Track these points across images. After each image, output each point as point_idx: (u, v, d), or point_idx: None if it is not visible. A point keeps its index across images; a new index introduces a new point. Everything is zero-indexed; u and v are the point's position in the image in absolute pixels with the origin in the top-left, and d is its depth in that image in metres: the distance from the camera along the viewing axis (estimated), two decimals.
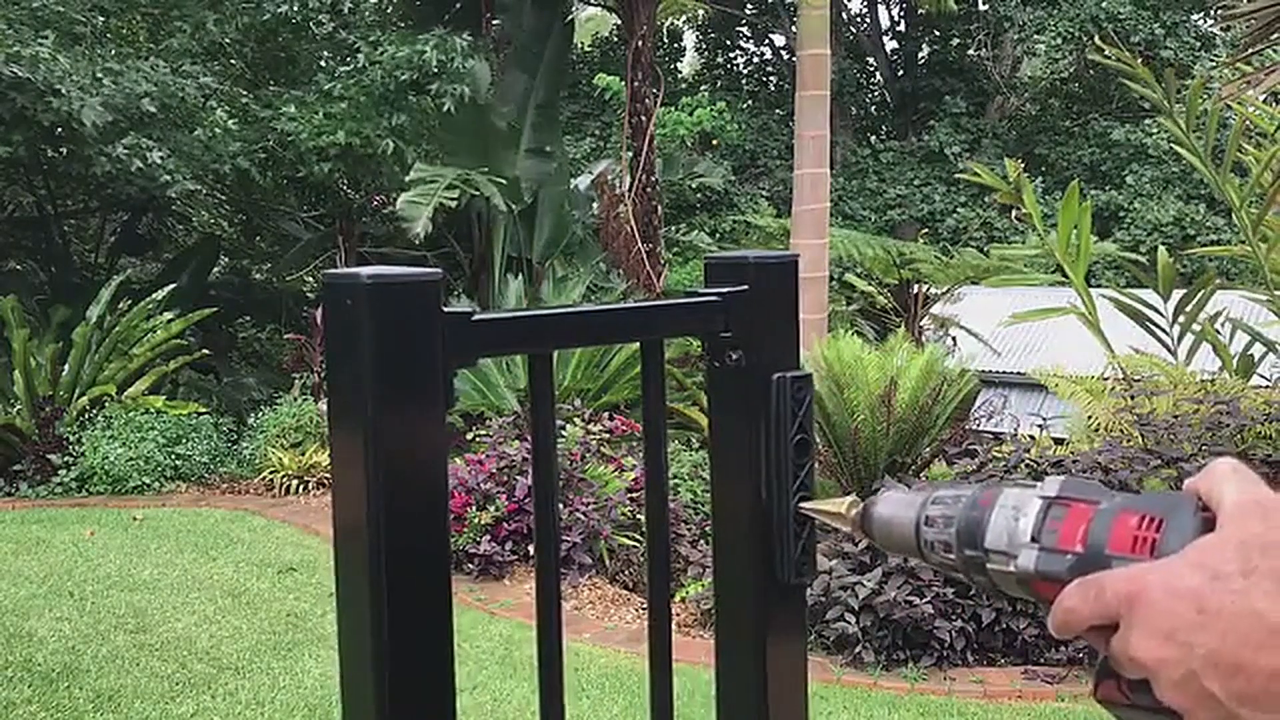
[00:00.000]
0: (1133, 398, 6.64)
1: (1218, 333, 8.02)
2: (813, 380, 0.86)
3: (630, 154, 12.67)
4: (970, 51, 22.82)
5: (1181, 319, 7.99)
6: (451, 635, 0.73)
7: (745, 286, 0.85)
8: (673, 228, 16.55)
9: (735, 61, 24.34)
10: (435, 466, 0.72)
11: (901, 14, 23.34)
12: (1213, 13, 18.99)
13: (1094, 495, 0.61)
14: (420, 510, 0.71)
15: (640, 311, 0.83)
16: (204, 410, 9.69)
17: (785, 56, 22.55)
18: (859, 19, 23.45)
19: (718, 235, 17.95)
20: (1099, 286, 10.72)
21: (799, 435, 0.84)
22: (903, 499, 0.71)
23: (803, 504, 0.84)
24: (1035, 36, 20.99)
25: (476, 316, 0.74)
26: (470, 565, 6.75)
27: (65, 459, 8.93)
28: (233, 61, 12.96)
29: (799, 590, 0.88)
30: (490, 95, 12.15)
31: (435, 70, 10.64)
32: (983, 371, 11.40)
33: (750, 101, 22.85)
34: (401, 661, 0.71)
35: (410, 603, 0.71)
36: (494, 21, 13.28)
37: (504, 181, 11.03)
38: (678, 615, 6.07)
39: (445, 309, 0.71)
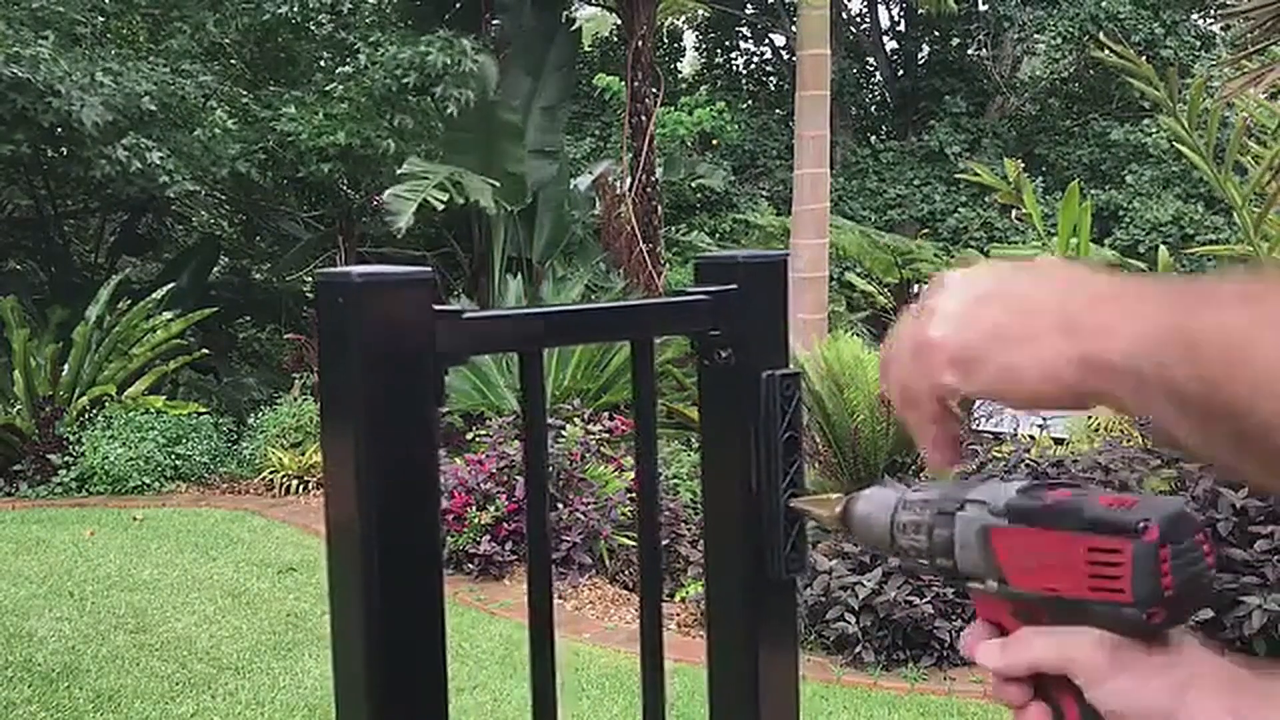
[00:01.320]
0: None
1: None
2: (801, 378, 0.87)
3: (630, 154, 12.67)
4: (970, 51, 22.81)
5: None
6: (444, 632, 0.74)
7: (735, 285, 0.85)
8: (673, 228, 16.55)
9: (735, 61, 24.32)
10: (426, 464, 0.72)
11: (901, 14, 23.33)
12: (1213, 12, 18.99)
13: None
14: (412, 507, 0.72)
15: (630, 310, 0.84)
16: (204, 410, 9.70)
17: (785, 56, 22.54)
18: (859, 19, 23.44)
19: (718, 235, 17.94)
20: None
21: (788, 432, 0.84)
22: (886, 491, 0.72)
23: (793, 500, 0.85)
24: (1035, 36, 20.97)
25: (466, 314, 0.75)
26: (470, 565, 6.75)
27: (65, 459, 8.94)
28: (233, 62, 12.97)
29: (790, 586, 0.89)
30: (498, 93, 12.15)
31: (440, 72, 10.64)
32: None
33: (750, 101, 22.83)
34: (394, 659, 0.71)
35: (402, 600, 0.72)
36: (494, 22, 13.29)
37: (497, 183, 11.03)
38: (678, 615, 6.07)
39: (435, 307, 0.72)
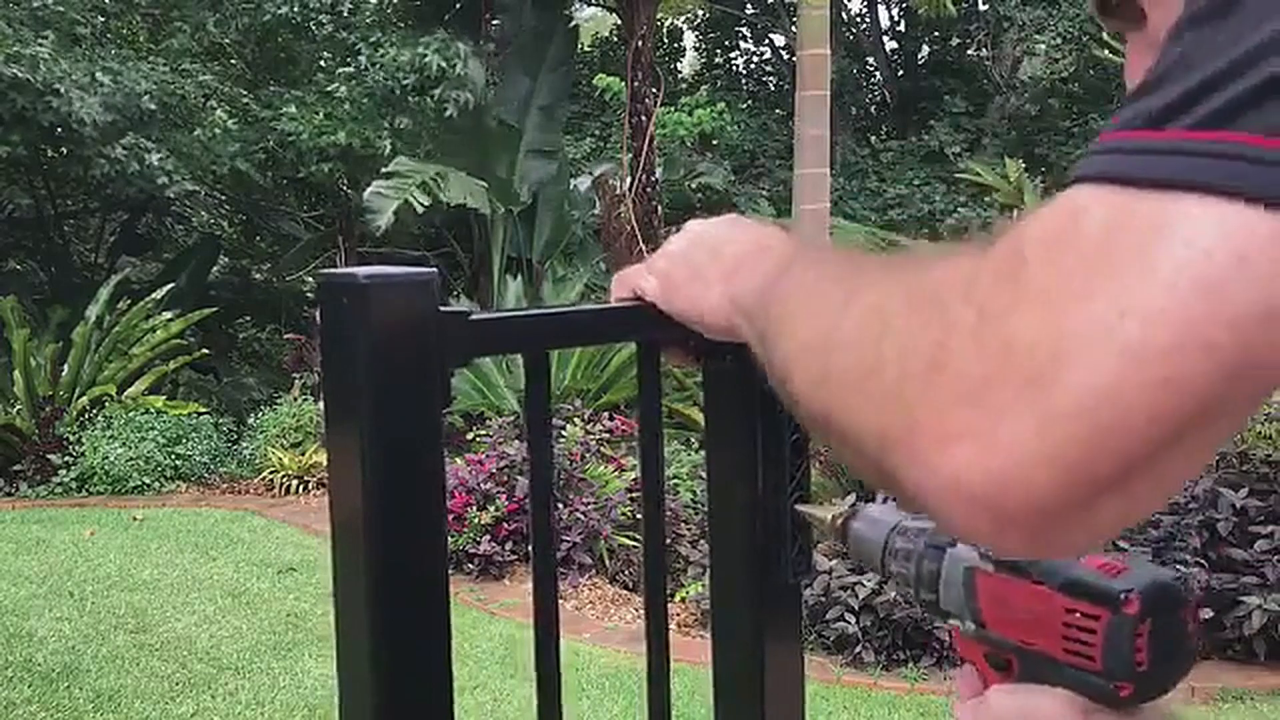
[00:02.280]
0: None
1: None
2: None
3: (630, 154, 12.67)
4: (970, 51, 22.80)
5: None
6: (450, 634, 0.73)
7: None
8: (673, 228, 16.48)
9: (735, 61, 24.31)
10: (432, 466, 0.72)
11: (901, 14, 23.32)
12: None
13: None
14: (417, 510, 0.71)
15: (636, 312, 0.83)
16: (204, 410, 9.69)
17: (785, 56, 22.52)
18: (859, 19, 23.43)
19: None
20: None
21: (795, 435, 0.84)
22: (886, 513, 0.72)
23: (798, 505, 0.84)
24: (1035, 36, 20.95)
25: (473, 316, 0.74)
26: (470, 565, 6.75)
27: (65, 459, 8.93)
28: (232, 62, 12.96)
29: (796, 589, 0.89)
30: (488, 96, 12.15)
31: (437, 75, 10.63)
32: None
33: (750, 101, 22.81)
34: (399, 661, 0.71)
35: (408, 602, 0.71)
36: (494, 22, 13.28)
37: (485, 185, 11.01)
38: (678, 615, 6.07)
39: (442, 308, 0.71)
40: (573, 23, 13.67)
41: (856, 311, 0.54)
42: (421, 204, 10.13)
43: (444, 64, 10.57)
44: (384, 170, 10.40)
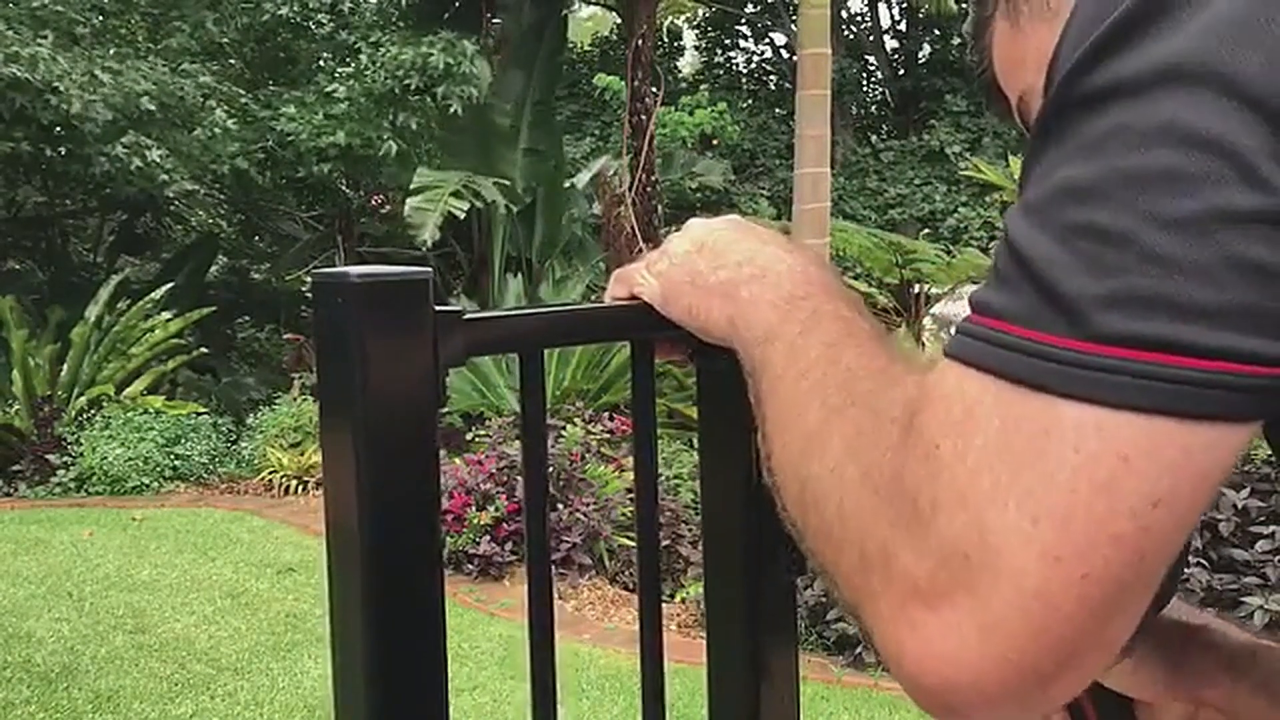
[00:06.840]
0: None
1: None
2: None
3: (630, 154, 12.66)
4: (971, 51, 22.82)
5: None
6: (444, 636, 0.73)
7: None
8: (673, 227, 16.45)
9: (735, 61, 24.32)
10: (427, 466, 0.71)
11: (902, 13, 23.33)
12: None
13: None
14: (412, 510, 0.71)
15: (633, 311, 0.83)
16: (203, 410, 9.69)
17: (785, 55, 22.53)
18: (859, 18, 23.44)
19: None
20: None
21: None
22: None
23: None
24: None
25: (468, 315, 0.74)
26: (470, 566, 6.75)
27: (64, 459, 8.93)
28: (232, 61, 12.96)
29: (791, 588, 0.88)
30: (490, 94, 12.15)
31: (441, 73, 10.63)
32: None
33: (750, 101, 22.82)
34: (394, 663, 0.71)
35: (403, 603, 0.71)
36: (494, 20, 13.28)
37: (506, 182, 11.02)
38: (678, 616, 6.06)
39: (437, 308, 0.71)
40: (563, 11, 13.63)
41: (822, 467, 0.60)
42: (460, 211, 10.18)
43: (450, 61, 10.57)
44: (412, 186, 10.44)
